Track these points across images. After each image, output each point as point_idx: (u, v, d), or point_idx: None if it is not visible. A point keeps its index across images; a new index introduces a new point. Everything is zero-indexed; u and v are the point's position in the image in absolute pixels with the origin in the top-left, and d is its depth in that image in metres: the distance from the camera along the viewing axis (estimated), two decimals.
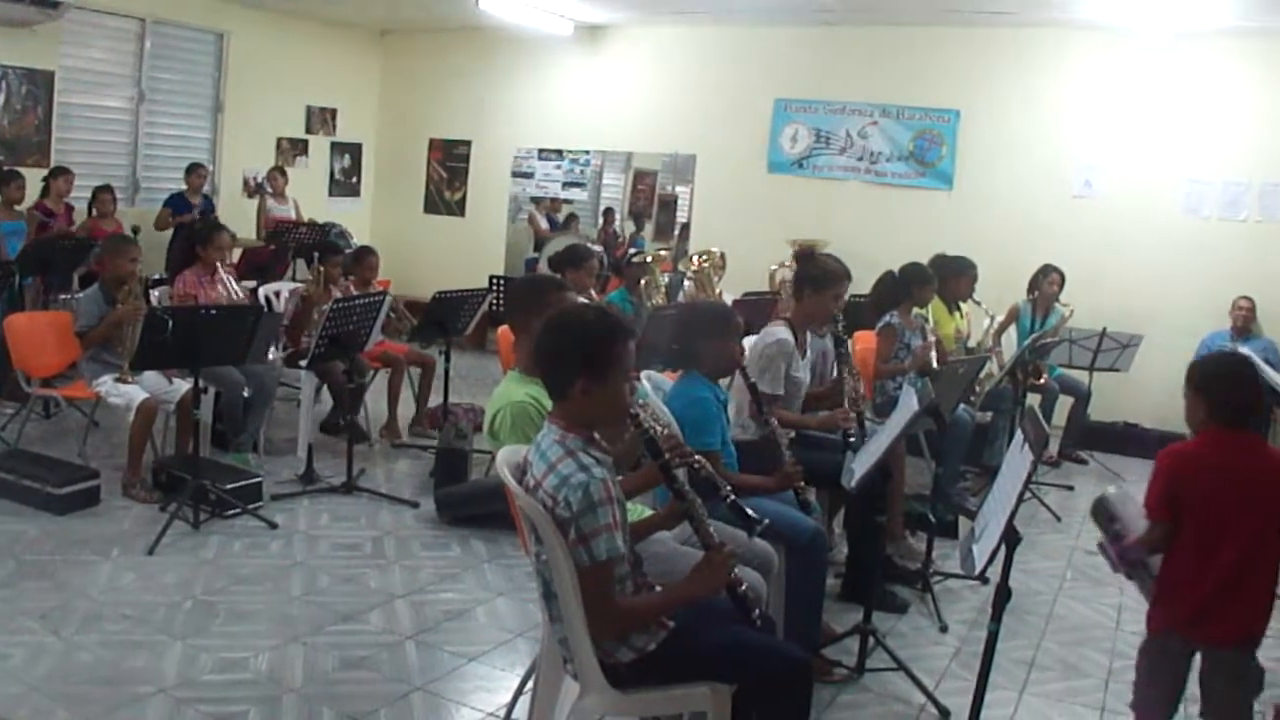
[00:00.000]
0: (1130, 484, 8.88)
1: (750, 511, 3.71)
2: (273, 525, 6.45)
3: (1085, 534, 7.63)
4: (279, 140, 13.47)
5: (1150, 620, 3.92)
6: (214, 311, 6.86)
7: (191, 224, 10.39)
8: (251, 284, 9.13)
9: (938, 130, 11.56)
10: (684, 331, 4.95)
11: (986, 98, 11.35)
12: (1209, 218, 10.59)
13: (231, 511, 6.51)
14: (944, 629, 5.71)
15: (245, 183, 12.98)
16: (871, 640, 5.09)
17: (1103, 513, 3.98)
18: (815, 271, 6.06)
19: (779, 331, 5.77)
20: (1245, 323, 9.93)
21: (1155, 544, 3.80)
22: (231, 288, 7.90)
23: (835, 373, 6.22)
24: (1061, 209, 10.99)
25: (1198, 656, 3.83)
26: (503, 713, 4.35)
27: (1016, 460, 3.64)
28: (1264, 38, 10.14)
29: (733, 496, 3.73)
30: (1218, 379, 3.83)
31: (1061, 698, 5.05)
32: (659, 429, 3.54)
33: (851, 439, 5.66)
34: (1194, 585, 3.70)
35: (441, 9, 12.78)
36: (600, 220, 13.56)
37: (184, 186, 11.36)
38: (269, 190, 12.36)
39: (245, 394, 7.48)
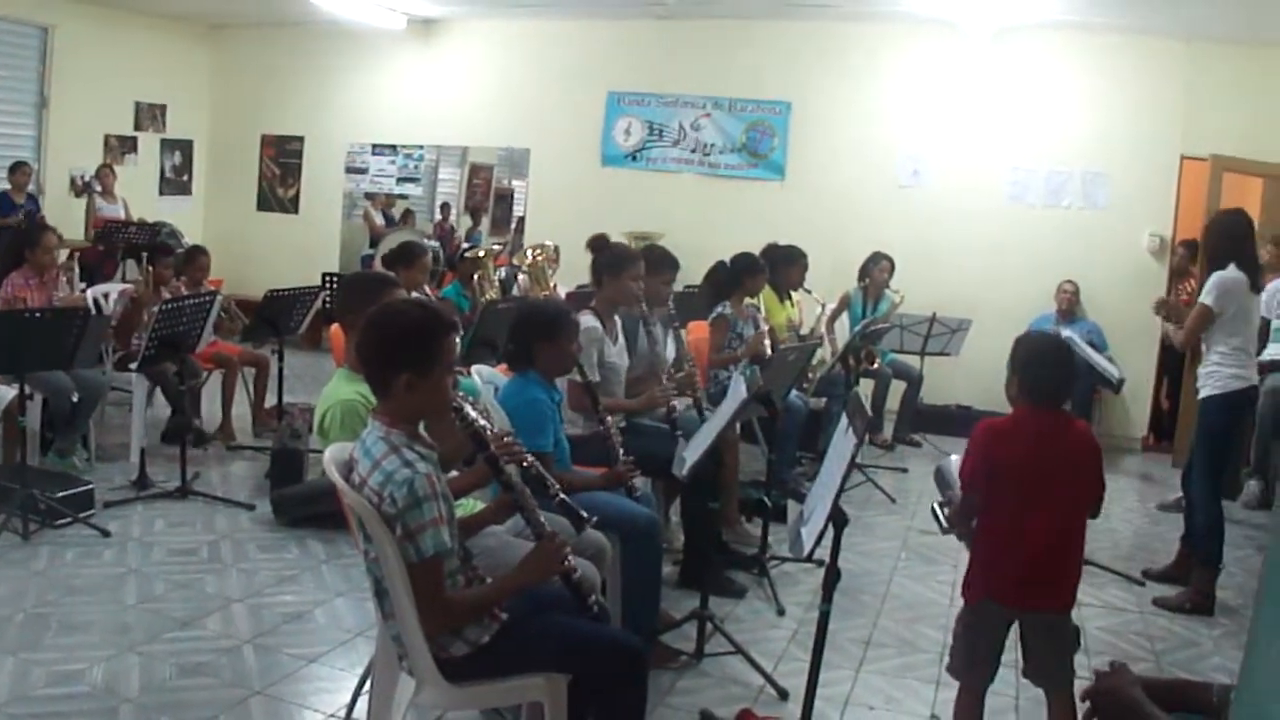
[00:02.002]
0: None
1: (580, 510, 3.74)
2: (105, 533, 6.29)
3: (919, 515, 7.80)
4: (107, 137, 13.10)
5: (966, 589, 4.04)
6: (39, 314, 6.70)
7: (17, 226, 10.12)
8: (80, 285, 8.94)
9: (769, 122, 11.71)
10: (519, 332, 4.96)
11: (817, 90, 11.53)
12: (1033, 205, 10.90)
13: (62, 520, 6.32)
14: (781, 612, 5.80)
15: (72, 181, 12.58)
16: (709, 625, 5.16)
17: (940, 480, 4.20)
18: (609, 258, 6.21)
19: (586, 319, 5.81)
20: (1070, 305, 10.26)
21: (969, 513, 3.95)
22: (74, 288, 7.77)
23: (653, 356, 6.32)
24: (890, 198, 11.22)
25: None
26: (343, 713, 4.33)
27: (841, 443, 3.72)
28: (1084, 32, 10.47)
29: (561, 495, 3.75)
30: (1030, 359, 3.98)
31: (898, 673, 5.17)
32: (484, 423, 3.56)
33: (676, 417, 5.77)
34: (1010, 556, 3.82)
35: (273, 3, 12.62)
36: (438, 215, 13.49)
37: (7, 186, 11.02)
38: (98, 189, 12.08)
39: (73, 399, 7.30)
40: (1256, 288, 6.33)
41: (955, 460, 4.12)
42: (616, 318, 6.17)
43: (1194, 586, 6.27)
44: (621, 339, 6.16)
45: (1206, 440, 6.37)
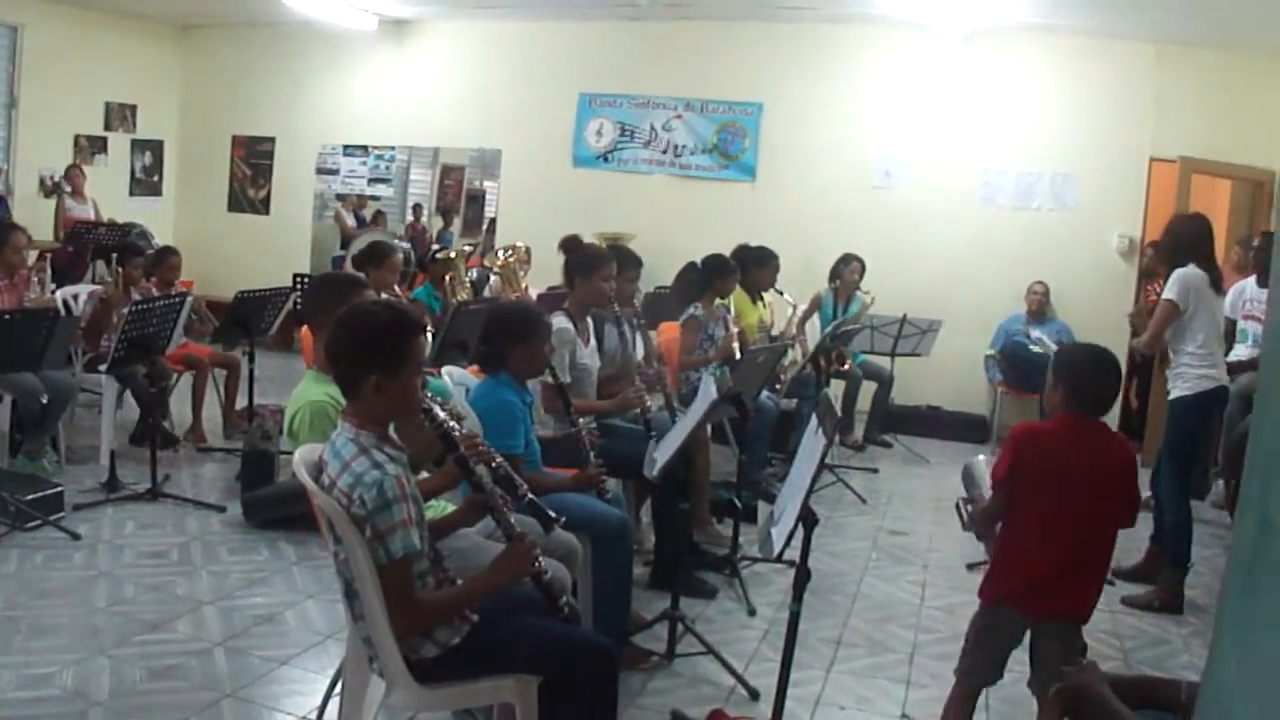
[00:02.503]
0: (940, 464, 9.20)
1: (549, 511, 3.74)
2: (75, 536, 6.24)
3: (890, 515, 7.86)
4: (76, 138, 13.02)
5: (983, 589, 4.05)
6: (7, 316, 6.67)
7: None
8: (50, 286, 8.89)
9: (741, 123, 11.73)
10: (491, 334, 4.96)
11: (789, 91, 11.55)
12: (1004, 206, 10.96)
13: (32, 523, 6.27)
14: (752, 612, 5.81)
15: (42, 182, 12.53)
16: (680, 626, 5.17)
17: (967, 478, 4.22)
18: (581, 258, 6.25)
19: (558, 321, 5.83)
20: (1040, 306, 10.29)
21: (995, 512, 3.97)
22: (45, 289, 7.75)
23: (624, 357, 6.33)
24: (862, 199, 11.25)
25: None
26: (314, 715, 4.31)
27: (811, 444, 3.74)
28: (1054, 34, 10.53)
29: (530, 496, 3.75)
30: (1078, 368, 3.96)
31: (868, 673, 5.19)
32: (454, 424, 3.56)
33: (650, 419, 5.78)
34: (1032, 560, 3.84)
35: (245, 4, 12.58)
36: (409, 216, 13.45)
37: None
38: (67, 189, 12.02)
39: (43, 400, 7.26)
40: (1218, 287, 6.41)
41: (983, 460, 4.16)
42: (589, 319, 6.18)
43: (1162, 585, 6.32)
44: (593, 340, 6.17)
45: (1175, 440, 6.44)
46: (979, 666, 4.05)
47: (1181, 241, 6.44)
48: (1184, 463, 6.47)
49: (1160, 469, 6.55)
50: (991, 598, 4.01)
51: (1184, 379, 6.29)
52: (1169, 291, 6.28)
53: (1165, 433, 6.57)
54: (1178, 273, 6.28)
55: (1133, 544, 7.17)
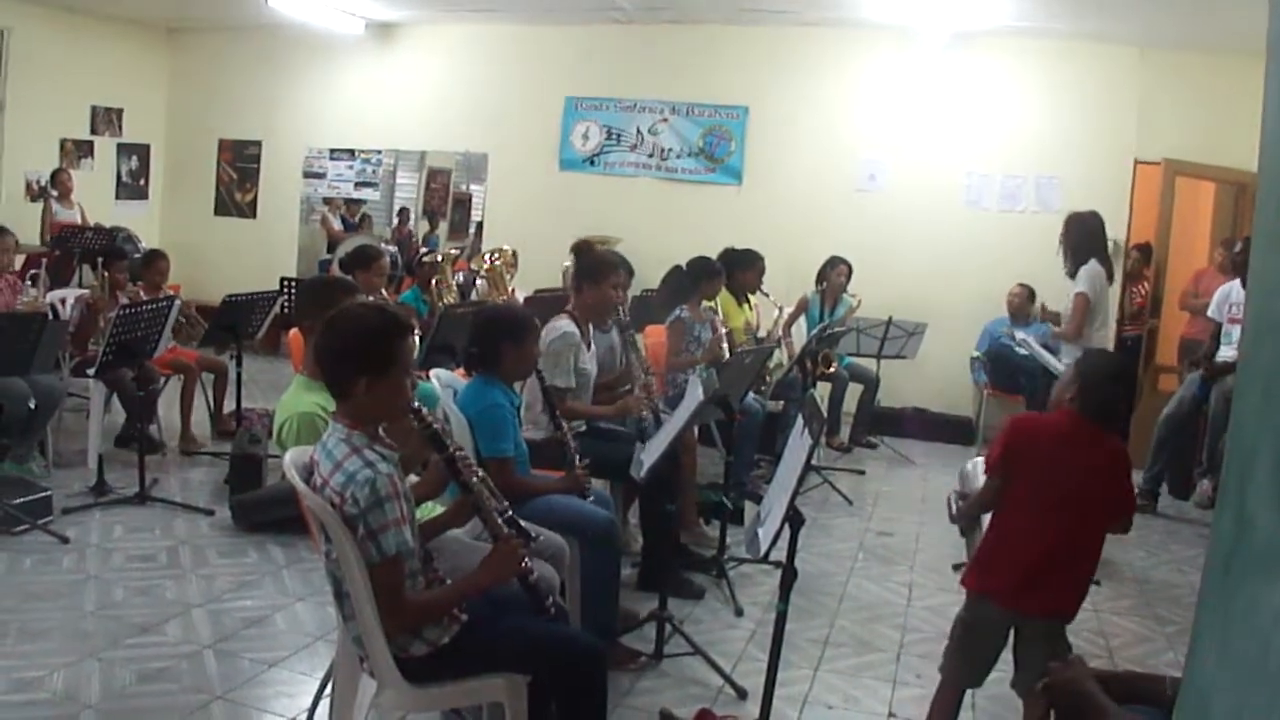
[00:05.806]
0: (926, 465, 9.24)
1: (530, 531, 3.72)
2: (64, 540, 6.23)
3: (876, 516, 7.89)
4: (63, 141, 13.00)
5: (968, 577, 4.05)
6: None
7: None
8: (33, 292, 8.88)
9: (727, 127, 11.75)
10: (483, 336, 4.96)
11: (774, 95, 11.57)
12: (988, 210, 10.98)
13: (20, 527, 6.26)
14: (739, 613, 5.83)
15: (28, 186, 12.53)
16: (669, 626, 5.19)
17: (963, 476, 4.39)
18: (591, 263, 6.21)
19: (564, 325, 5.84)
20: (1019, 309, 10.27)
21: (986, 501, 4.00)
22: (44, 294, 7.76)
23: (625, 363, 6.33)
24: (847, 202, 11.27)
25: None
26: (304, 716, 4.32)
27: (796, 445, 3.76)
28: (1038, 38, 10.56)
29: (510, 513, 3.72)
30: (1097, 374, 3.95)
31: (855, 672, 5.22)
32: (444, 427, 3.57)
33: (645, 426, 5.80)
34: (1018, 553, 3.83)
35: (231, 7, 12.52)
36: (396, 220, 13.46)
37: None
38: (53, 194, 12.00)
39: (31, 405, 7.25)
40: (1111, 279, 7.40)
41: (980, 462, 4.20)
42: (590, 325, 6.17)
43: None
44: (594, 348, 6.17)
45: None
46: (963, 667, 4.05)
47: (1087, 236, 7.28)
48: None
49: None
50: (976, 588, 4.00)
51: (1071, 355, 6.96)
52: (1081, 285, 7.15)
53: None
54: (1085, 269, 7.16)
55: (1118, 543, 7.23)
